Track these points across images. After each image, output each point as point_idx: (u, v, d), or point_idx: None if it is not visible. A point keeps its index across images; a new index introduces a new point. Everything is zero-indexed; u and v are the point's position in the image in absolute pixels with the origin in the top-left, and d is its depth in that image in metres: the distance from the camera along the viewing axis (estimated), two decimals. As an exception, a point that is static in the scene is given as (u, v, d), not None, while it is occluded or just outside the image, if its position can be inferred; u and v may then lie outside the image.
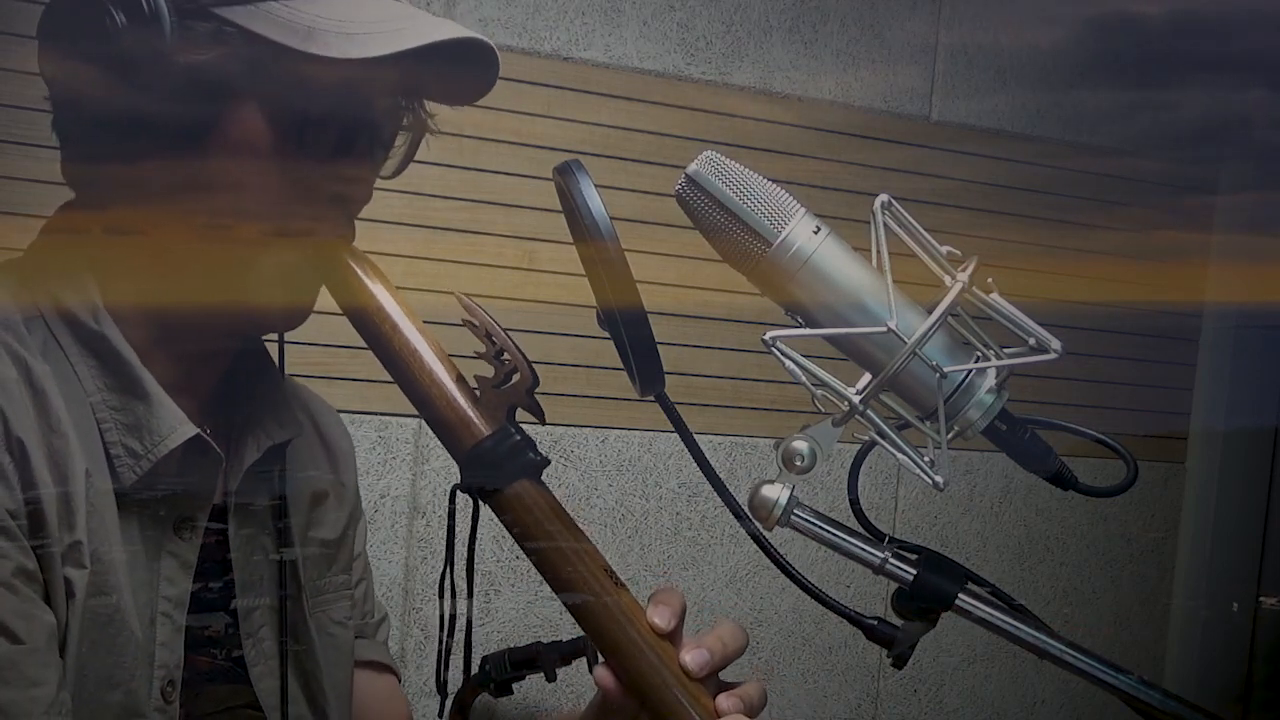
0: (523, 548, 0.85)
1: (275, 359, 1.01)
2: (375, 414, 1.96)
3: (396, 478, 1.99)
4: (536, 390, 0.86)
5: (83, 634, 0.82)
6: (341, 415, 1.86)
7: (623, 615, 0.84)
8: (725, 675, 0.88)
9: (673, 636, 0.86)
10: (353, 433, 1.95)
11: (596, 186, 0.77)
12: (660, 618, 0.85)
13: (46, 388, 0.82)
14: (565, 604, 0.85)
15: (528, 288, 2.02)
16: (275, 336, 1.00)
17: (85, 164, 0.88)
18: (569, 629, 2.05)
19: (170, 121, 0.82)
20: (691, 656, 0.84)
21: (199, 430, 0.88)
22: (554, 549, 0.85)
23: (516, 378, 0.85)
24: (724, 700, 0.83)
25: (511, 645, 1.96)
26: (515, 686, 1.95)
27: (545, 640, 1.95)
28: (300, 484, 1.01)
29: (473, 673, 1.97)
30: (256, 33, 0.80)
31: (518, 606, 2.07)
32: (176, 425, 0.86)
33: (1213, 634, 2.68)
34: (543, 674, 1.90)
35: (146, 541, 0.87)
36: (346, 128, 0.86)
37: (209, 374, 0.94)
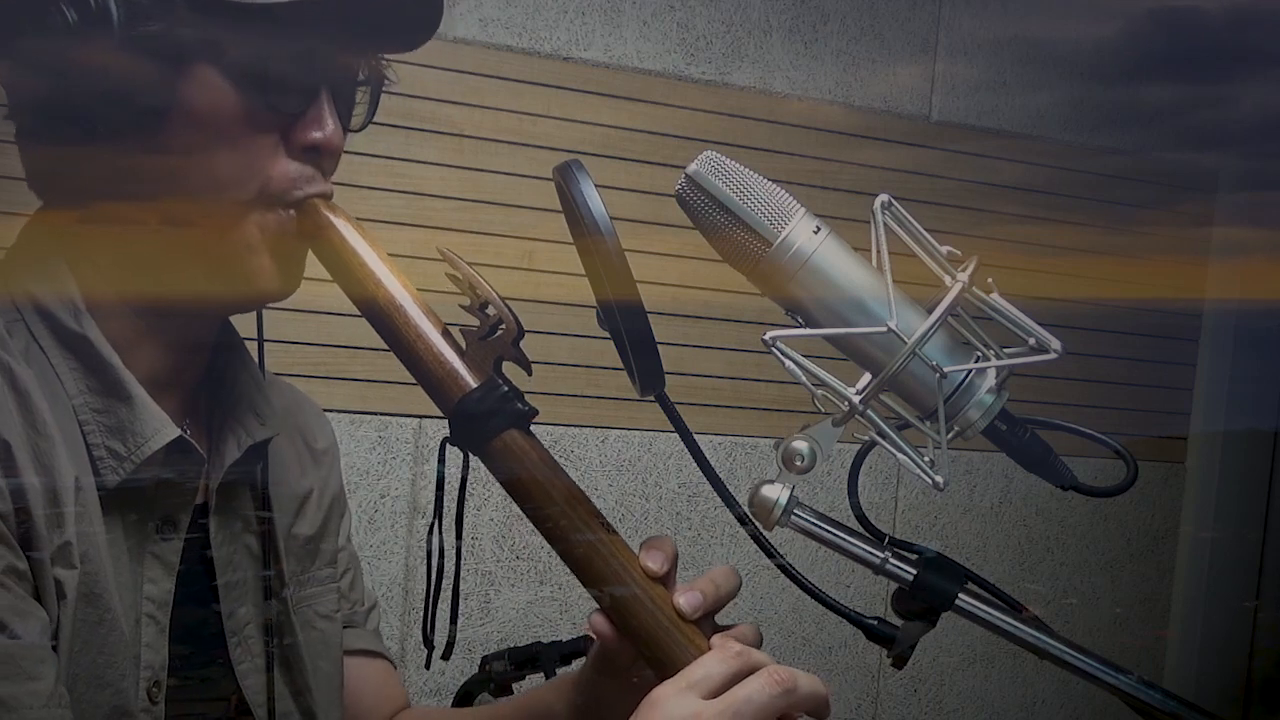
0: (513, 497, 0.85)
1: (255, 357, 1.01)
2: (375, 414, 1.96)
3: (396, 478, 1.99)
4: (522, 342, 0.86)
5: (74, 634, 0.82)
6: (341, 415, 1.85)
7: (616, 561, 0.84)
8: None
9: (666, 581, 0.86)
10: (352, 432, 1.96)
11: (597, 186, 0.77)
12: (653, 561, 0.85)
13: (30, 390, 0.82)
14: (558, 551, 0.85)
15: (528, 287, 2.03)
16: (256, 335, 1.00)
17: (54, 158, 0.87)
18: (569, 629, 2.05)
19: (132, 101, 0.81)
20: (685, 599, 0.84)
21: (181, 432, 0.88)
22: (545, 498, 0.85)
23: (502, 329, 0.85)
24: (719, 639, 0.84)
25: (511, 645, 1.96)
26: (515, 686, 1.95)
27: (545, 640, 1.95)
28: (282, 481, 1.01)
29: (475, 672, 1.97)
30: None
31: (518, 606, 2.07)
32: (159, 427, 0.86)
33: (1213, 634, 2.68)
34: (543, 674, 1.90)
35: (130, 542, 0.87)
36: (304, 76, 0.86)
37: (190, 371, 0.94)
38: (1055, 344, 0.75)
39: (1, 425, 0.80)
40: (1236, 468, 2.67)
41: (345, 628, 1.09)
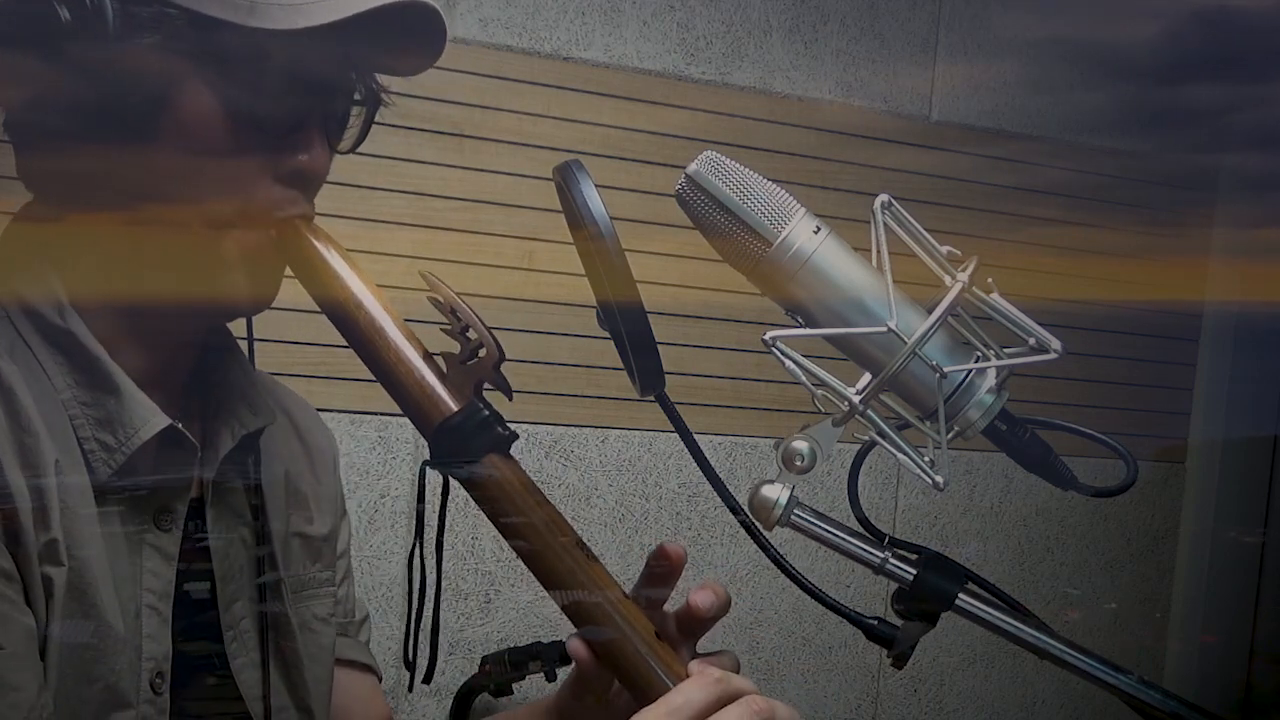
0: (493, 522, 0.86)
1: (245, 351, 1.01)
2: (375, 414, 1.95)
3: (396, 478, 1.99)
4: (502, 365, 0.86)
5: (63, 630, 0.82)
6: (341, 415, 1.85)
7: (594, 586, 0.85)
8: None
9: (655, 605, 0.87)
10: (352, 432, 1.96)
11: (597, 186, 0.77)
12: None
13: (15, 387, 0.82)
14: (535, 574, 0.85)
15: (528, 288, 2.02)
16: (246, 331, 1.00)
17: (40, 160, 0.87)
18: (569, 629, 2.04)
19: (122, 110, 0.81)
20: (700, 596, 0.87)
21: (171, 421, 0.87)
22: (524, 523, 0.85)
23: (483, 353, 0.85)
24: (698, 665, 0.84)
25: (511, 645, 1.96)
26: (515, 686, 1.95)
27: (545, 640, 1.95)
28: (277, 475, 1.01)
29: (475, 672, 1.97)
30: (199, 11, 0.80)
31: (518, 606, 2.07)
32: (149, 417, 0.86)
33: (1213, 634, 2.67)
34: (543, 674, 1.90)
35: (128, 535, 0.87)
36: (297, 102, 0.86)
37: (179, 365, 0.94)
38: (1055, 344, 0.75)
39: None
40: (1236, 468, 2.67)
41: (337, 636, 1.08)
